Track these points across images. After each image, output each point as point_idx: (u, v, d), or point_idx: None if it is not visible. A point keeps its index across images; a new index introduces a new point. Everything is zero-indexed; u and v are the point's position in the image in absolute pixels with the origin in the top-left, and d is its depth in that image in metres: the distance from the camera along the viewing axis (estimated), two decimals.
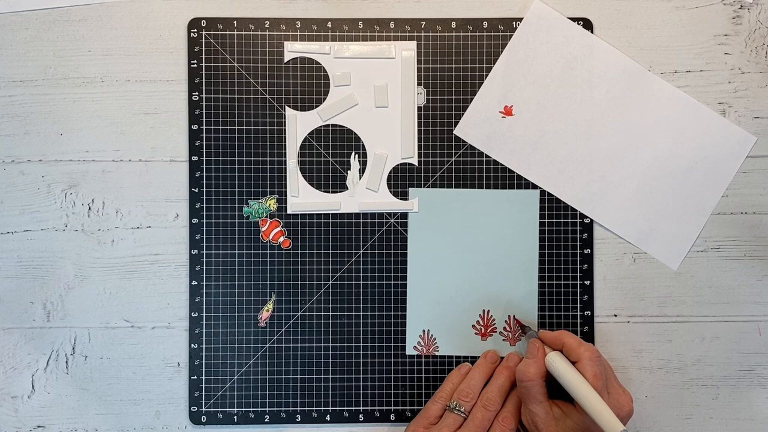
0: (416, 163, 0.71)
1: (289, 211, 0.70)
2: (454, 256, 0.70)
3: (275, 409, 0.70)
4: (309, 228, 0.70)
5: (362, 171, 0.71)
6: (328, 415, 0.70)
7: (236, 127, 0.70)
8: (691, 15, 0.71)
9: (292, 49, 0.71)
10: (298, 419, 0.70)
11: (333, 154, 0.71)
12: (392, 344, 0.70)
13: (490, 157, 0.71)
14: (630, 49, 0.71)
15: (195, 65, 0.70)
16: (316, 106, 0.71)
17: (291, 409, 0.70)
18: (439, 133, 0.71)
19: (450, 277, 0.70)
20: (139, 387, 0.70)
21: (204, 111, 0.70)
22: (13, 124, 0.70)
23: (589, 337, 0.71)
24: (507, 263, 0.70)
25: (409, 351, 0.71)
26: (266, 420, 0.70)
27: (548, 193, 0.71)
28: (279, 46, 0.70)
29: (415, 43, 0.71)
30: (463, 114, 0.70)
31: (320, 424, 0.70)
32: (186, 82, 0.70)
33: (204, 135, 0.70)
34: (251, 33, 0.70)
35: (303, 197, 0.71)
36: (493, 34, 0.71)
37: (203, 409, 0.70)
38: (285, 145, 0.70)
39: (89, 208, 0.70)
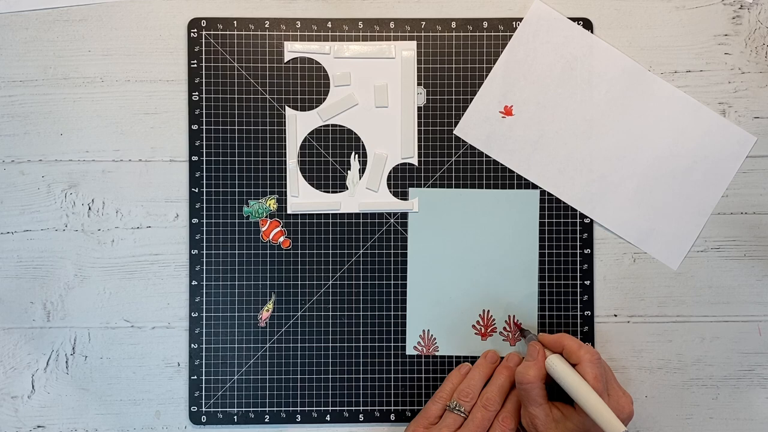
0: (416, 163, 0.71)
1: (289, 211, 0.70)
2: (454, 256, 0.70)
3: (275, 409, 0.70)
4: (309, 228, 0.70)
5: (362, 171, 0.71)
6: (328, 415, 0.70)
7: (236, 127, 0.70)
8: (691, 15, 0.71)
9: (292, 49, 0.70)
10: (298, 419, 0.70)
11: (333, 154, 0.71)
12: (392, 344, 0.70)
13: (490, 157, 0.71)
14: (630, 49, 0.71)
15: (195, 65, 0.70)
16: (316, 106, 0.71)
17: (291, 409, 0.70)
18: (439, 133, 0.71)
19: (450, 277, 0.70)
20: (139, 387, 0.70)
21: (204, 111, 0.70)
22: (13, 124, 0.70)
23: (589, 337, 0.71)
24: (507, 263, 0.70)
25: (409, 351, 0.70)
26: (266, 420, 0.70)
27: (548, 193, 0.71)
28: (279, 46, 0.70)
29: (415, 43, 0.70)
30: (463, 114, 0.70)
31: (320, 424, 0.70)
32: (186, 82, 0.70)
33: (204, 135, 0.70)
34: (251, 33, 0.70)
35: (303, 197, 0.70)
36: (493, 34, 0.70)
37: (203, 409, 0.70)
38: (285, 145, 0.70)
39: (89, 208, 0.70)
